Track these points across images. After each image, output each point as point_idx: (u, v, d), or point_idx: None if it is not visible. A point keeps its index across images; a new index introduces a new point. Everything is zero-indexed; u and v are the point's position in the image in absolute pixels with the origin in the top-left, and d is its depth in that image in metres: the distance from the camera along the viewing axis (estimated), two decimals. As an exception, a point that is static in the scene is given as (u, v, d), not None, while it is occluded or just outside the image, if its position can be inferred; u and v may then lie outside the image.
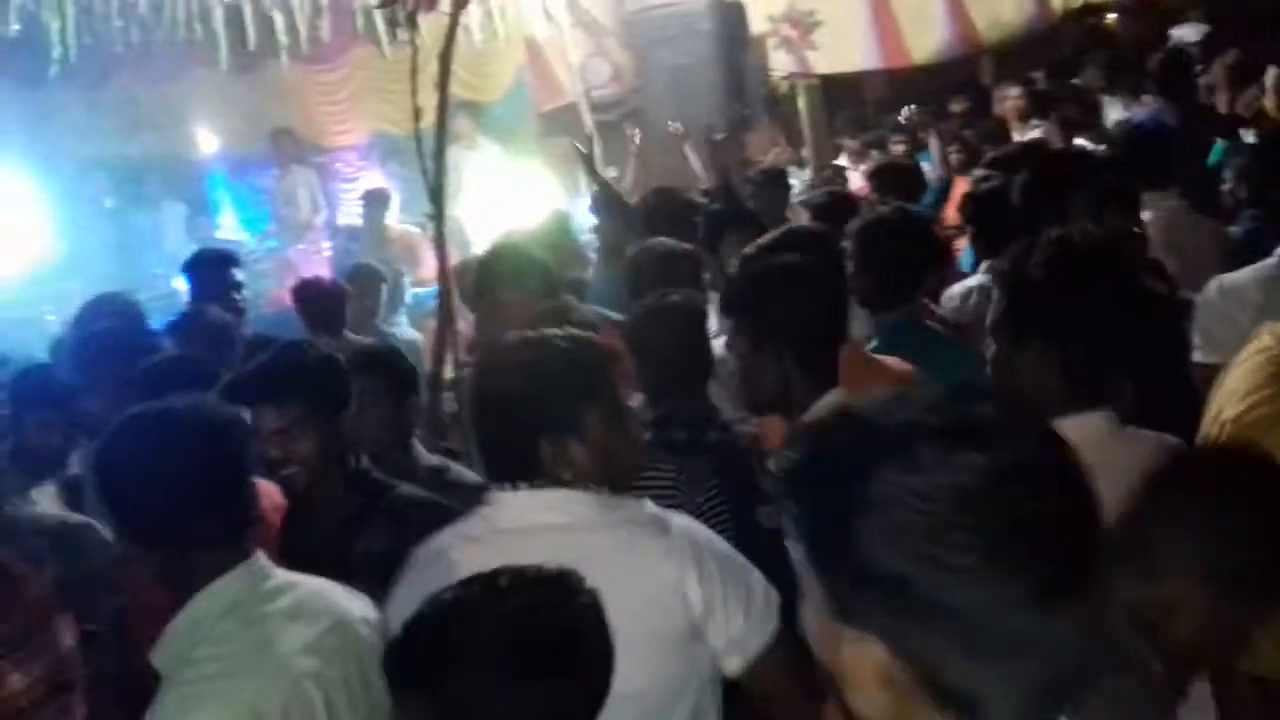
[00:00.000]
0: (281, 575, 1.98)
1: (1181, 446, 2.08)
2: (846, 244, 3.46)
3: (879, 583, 0.91)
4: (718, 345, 3.18)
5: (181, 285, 5.30)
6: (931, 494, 0.89)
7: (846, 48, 9.51)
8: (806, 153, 9.47)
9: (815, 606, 0.98)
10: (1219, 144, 5.80)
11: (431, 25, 5.35)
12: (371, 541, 2.48)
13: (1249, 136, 5.93)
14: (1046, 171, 3.86)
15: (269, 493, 2.76)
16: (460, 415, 4.14)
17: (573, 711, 1.47)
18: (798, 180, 7.98)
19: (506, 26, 9.29)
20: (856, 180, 7.79)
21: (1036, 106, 7.93)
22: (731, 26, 8.63)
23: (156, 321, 4.63)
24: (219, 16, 8.05)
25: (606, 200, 5.66)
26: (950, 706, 0.92)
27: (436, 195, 4.91)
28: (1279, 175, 3.77)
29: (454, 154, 6.77)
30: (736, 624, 1.93)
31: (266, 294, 7.94)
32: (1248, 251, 3.48)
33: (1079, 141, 6.86)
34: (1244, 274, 2.98)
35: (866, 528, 0.91)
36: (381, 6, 5.59)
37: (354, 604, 2.05)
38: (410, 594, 1.96)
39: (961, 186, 6.04)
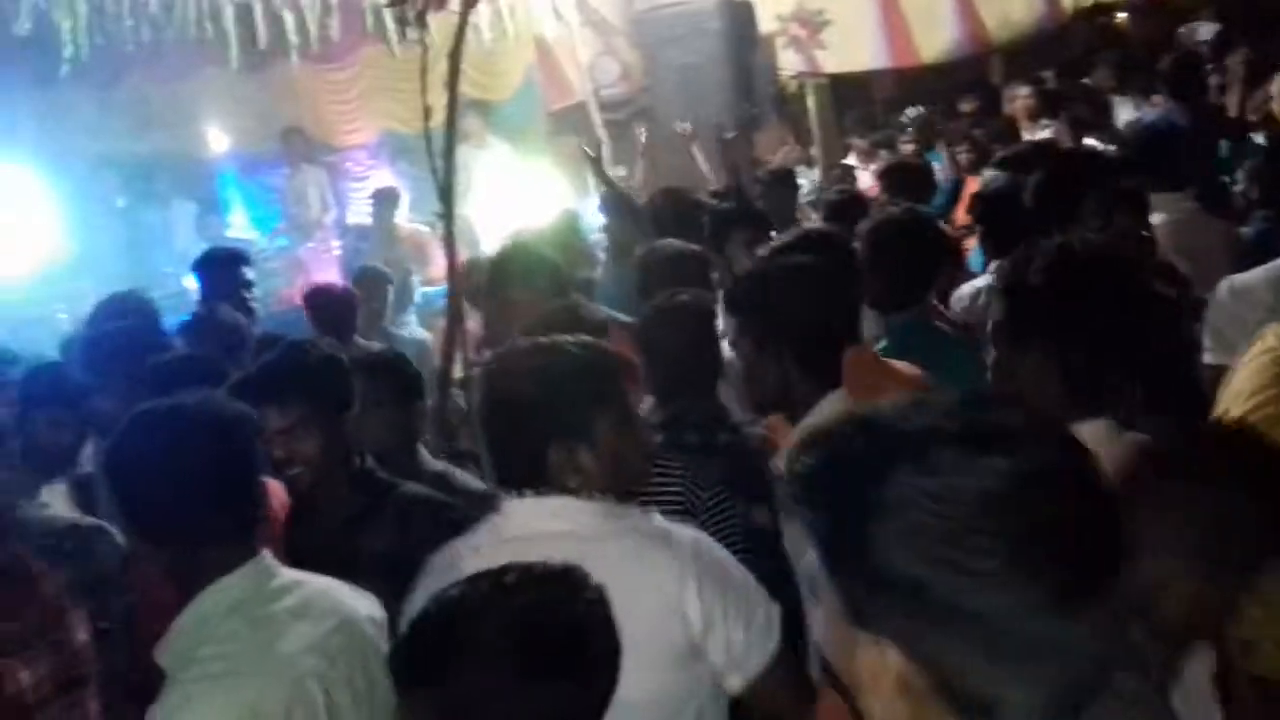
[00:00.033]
0: (288, 574, 1.98)
1: None
2: (857, 245, 3.47)
3: (896, 587, 0.90)
4: (726, 345, 3.18)
5: (192, 284, 5.32)
6: (951, 497, 0.89)
7: (855, 47, 9.50)
8: (815, 152, 9.46)
9: (830, 611, 0.98)
10: (1223, 146, 5.79)
11: (441, 24, 5.36)
12: (375, 540, 2.49)
13: (1258, 139, 5.93)
14: (1059, 172, 3.85)
15: (275, 492, 2.76)
16: (470, 415, 4.15)
17: (579, 710, 1.46)
18: (806, 180, 7.99)
19: (516, 25, 9.30)
20: (866, 179, 7.78)
21: (1046, 106, 7.91)
22: (740, 25, 8.62)
23: (168, 320, 4.64)
24: (229, 15, 8.07)
25: (615, 200, 5.66)
26: (968, 711, 0.92)
27: (446, 194, 4.91)
28: (1291, 177, 3.76)
29: (463, 153, 6.78)
30: (736, 641, 1.92)
31: (276, 293, 7.95)
32: (1259, 252, 3.48)
33: (1089, 141, 6.84)
34: (1255, 274, 2.97)
35: (884, 531, 0.91)
36: (391, 5, 5.60)
37: (360, 603, 2.05)
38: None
39: (972, 186, 6.03)
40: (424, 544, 2.16)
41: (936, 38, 9.48)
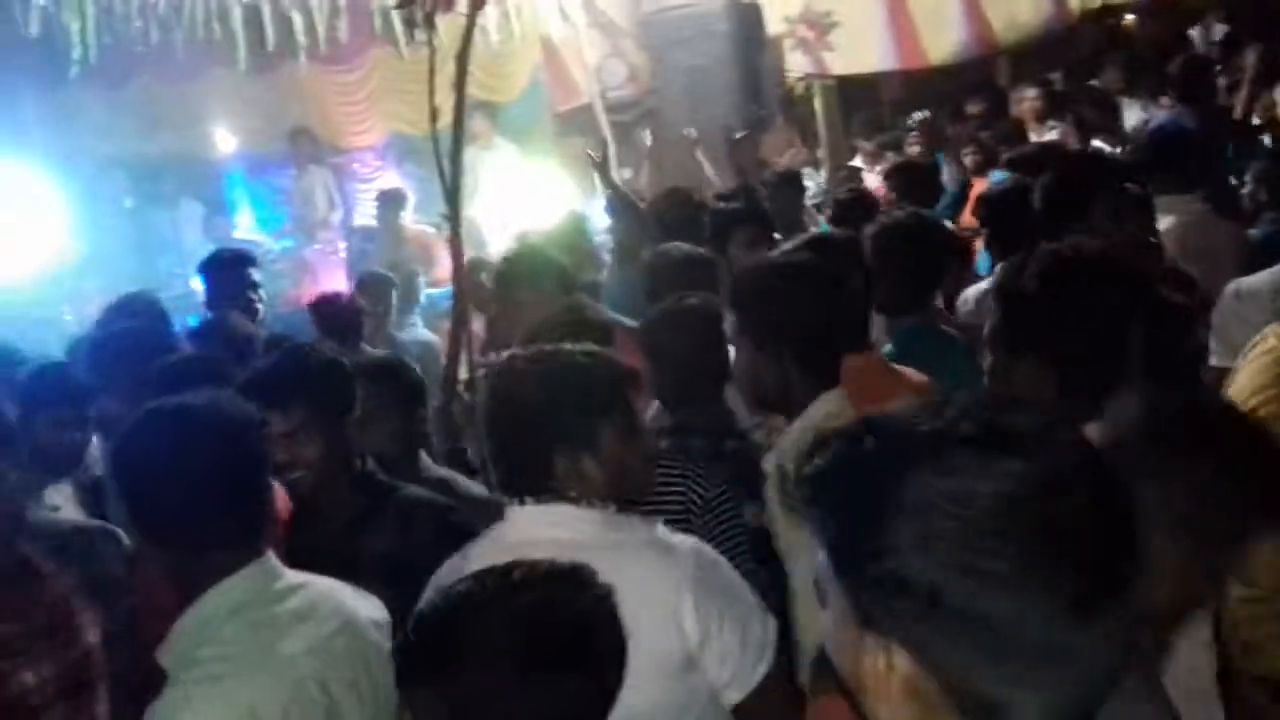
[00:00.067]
0: (291, 576, 1.98)
1: None
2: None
3: (906, 589, 0.89)
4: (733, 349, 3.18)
5: (199, 285, 5.33)
6: (967, 500, 0.88)
7: (863, 49, 9.47)
8: (821, 154, 9.45)
9: (836, 613, 0.97)
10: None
11: (449, 26, 5.36)
12: (377, 543, 2.49)
13: (1265, 140, 5.91)
14: (1068, 175, 3.84)
15: (277, 496, 2.76)
16: (475, 416, 4.15)
17: (585, 706, 1.46)
18: (812, 183, 7.98)
19: (523, 27, 9.31)
20: (872, 182, 7.77)
21: (1054, 107, 7.90)
22: (747, 27, 8.63)
23: (176, 321, 4.65)
24: (237, 17, 8.09)
25: (621, 203, 5.67)
26: (976, 716, 0.90)
27: (452, 195, 4.92)
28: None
29: (470, 154, 6.79)
30: (732, 655, 1.92)
31: (283, 294, 7.97)
32: (1267, 254, 3.47)
33: (1096, 143, 6.83)
34: (1261, 277, 2.97)
35: (896, 533, 0.89)
36: (399, 7, 5.61)
37: (363, 606, 2.05)
38: None
39: (978, 188, 6.02)
40: (425, 547, 2.17)
41: (944, 39, 9.46)
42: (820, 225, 5.51)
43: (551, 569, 1.51)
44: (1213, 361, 2.94)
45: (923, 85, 10.33)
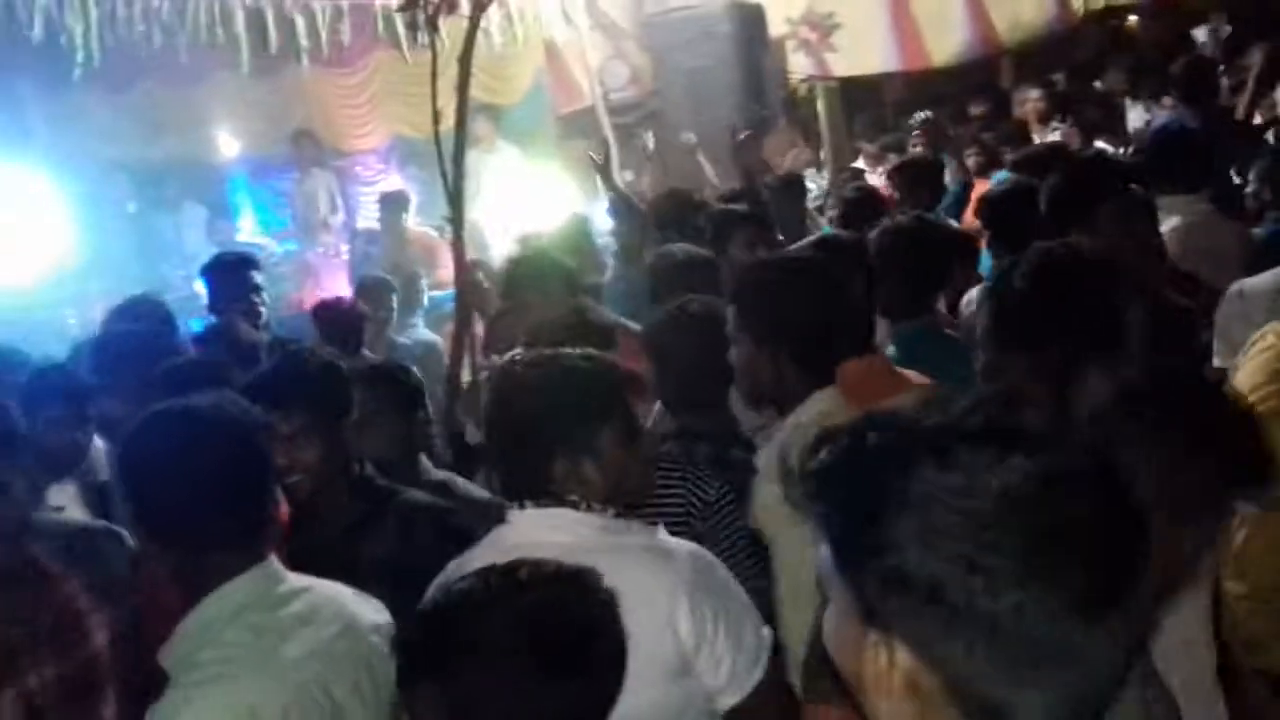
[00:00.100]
0: (294, 579, 1.98)
1: None
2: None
3: (910, 584, 0.88)
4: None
5: (202, 289, 5.33)
6: (971, 494, 0.87)
7: (865, 50, 9.48)
8: (824, 155, 9.45)
9: (838, 609, 0.96)
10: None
11: (451, 28, 5.37)
12: (377, 547, 2.49)
13: (1269, 138, 5.91)
14: (1075, 177, 3.84)
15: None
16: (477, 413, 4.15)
17: (584, 710, 1.46)
18: (814, 185, 7.98)
19: (525, 29, 9.31)
20: (875, 183, 7.76)
21: (1057, 108, 7.89)
22: (750, 29, 8.62)
23: (180, 324, 4.64)
24: (240, 20, 8.09)
25: (623, 204, 5.67)
26: (977, 716, 0.89)
27: (455, 198, 4.92)
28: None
29: (473, 157, 6.79)
30: (726, 660, 1.93)
31: (286, 297, 7.97)
32: (1271, 254, 3.46)
33: (1099, 144, 6.83)
34: (1264, 278, 2.97)
35: (901, 527, 0.89)
36: (402, 10, 5.61)
37: (366, 609, 2.05)
38: None
39: (980, 189, 6.02)
40: (425, 551, 2.17)
41: (947, 40, 9.46)
42: (822, 229, 5.50)
43: (557, 570, 1.51)
44: (1216, 362, 2.94)
45: (925, 86, 10.33)
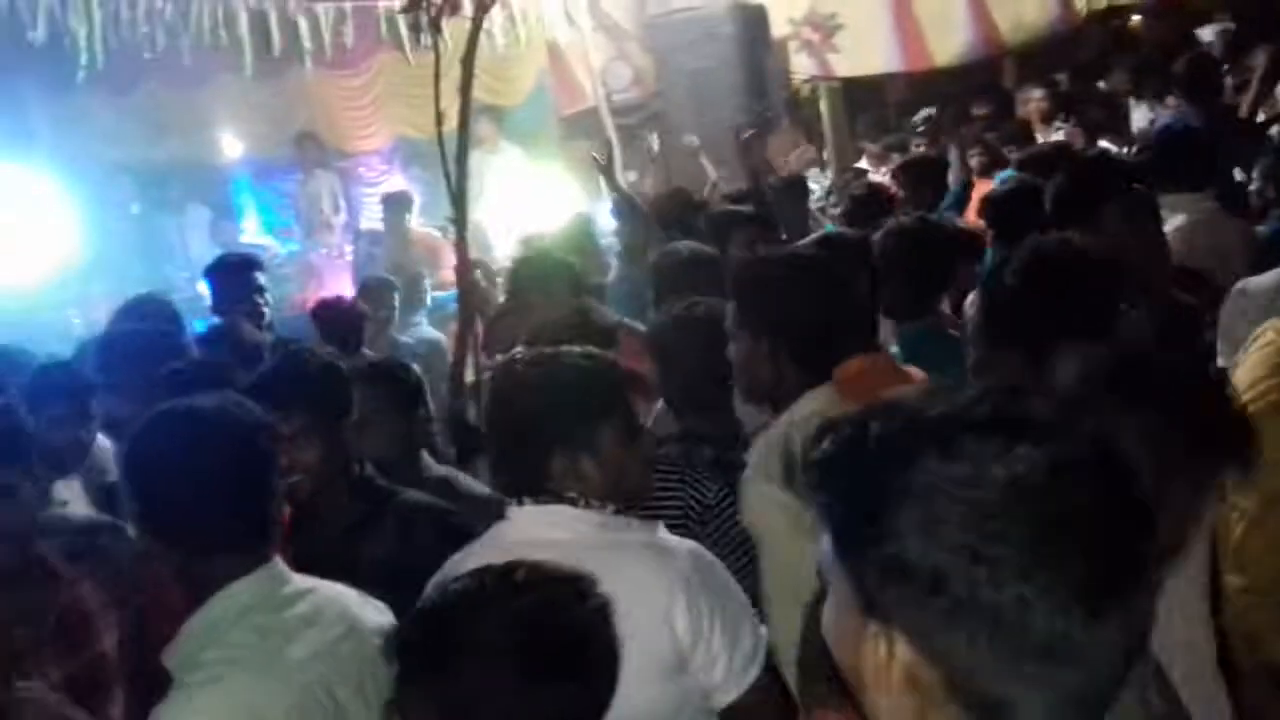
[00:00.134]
0: (299, 581, 1.97)
1: None
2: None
3: (912, 575, 0.87)
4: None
5: (205, 290, 5.34)
6: (975, 484, 0.86)
7: (868, 50, 9.48)
8: (827, 156, 9.45)
9: (838, 601, 0.95)
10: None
11: (454, 30, 5.38)
12: (376, 548, 2.49)
13: (1273, 133, 5.91)
14: (1081, 175, 3.84)
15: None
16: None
17: (578, 713, 1.45)
18: (817, 185, 7.98)
19: (528, 30, 9.32)
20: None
21: (1060, 108, 7.89)
22: (752, 30, 8.62)
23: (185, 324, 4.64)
24: (244, 22, 8.11)
25: (626, 205, 5.68)
26: (977, 710, 0.88)
27: (458, 199, 4.93)
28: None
29: (475, 158, 6.80)
30: (721, 659, 1.94)
31: (289, 298, 7.97)
32: (1275, 252, 3.46)
33: (1103, 144, 6.82)
34: (1266, 277, 2.96)
35: (903, 517, 0.87)
36: (405, 11, 5.62)
37: (369, 611, 2.05)
38: None
39: (981, 189, 6.02)
40: (425, 552, 2.18)
41: (950, 41, 9.46)
42: (826, 229, 5.51)
43: (552, 573, 1.51)
44: (1220, 362, 2.93)
45: (928, 87, 10.33)
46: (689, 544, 2.06)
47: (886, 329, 3.40)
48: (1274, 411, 2.12)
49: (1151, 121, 7.28)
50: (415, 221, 8.52)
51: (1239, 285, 2.99)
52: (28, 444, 2.55)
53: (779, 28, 9.18)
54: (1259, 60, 6.86)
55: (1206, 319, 3.13)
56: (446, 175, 4.93)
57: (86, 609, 2.46)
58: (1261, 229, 4.25)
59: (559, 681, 1.43)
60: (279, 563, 1.96)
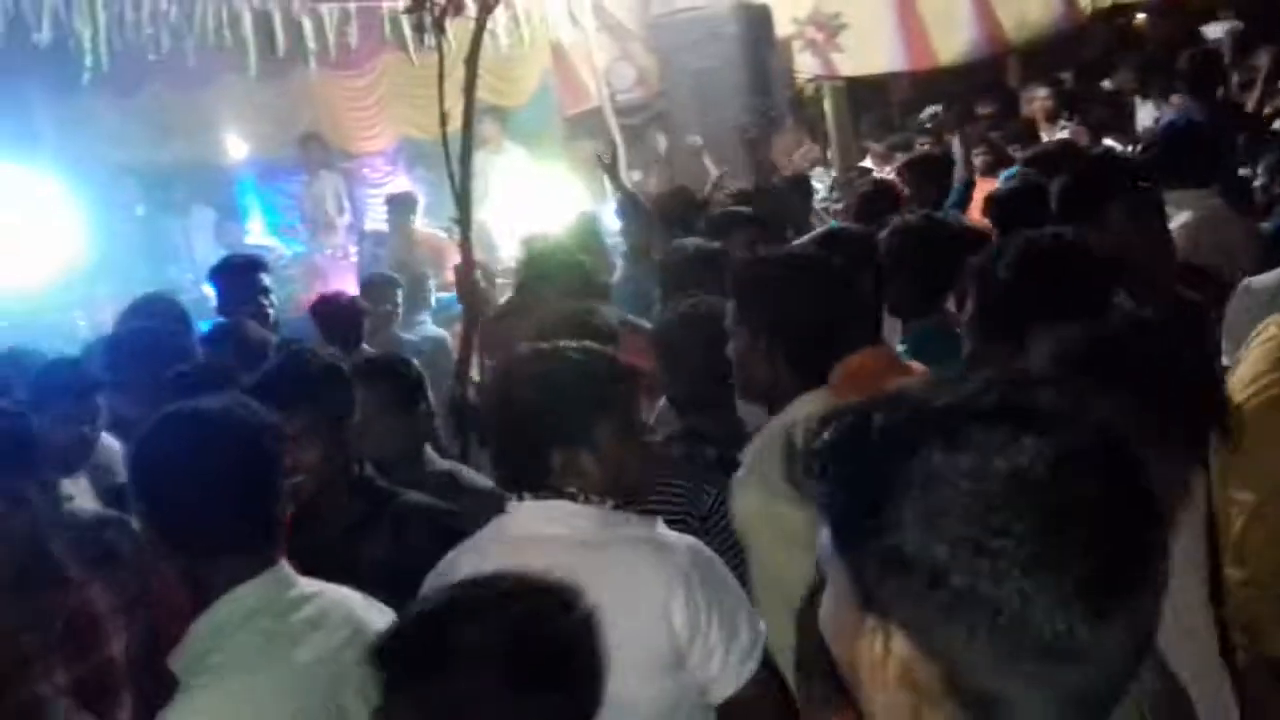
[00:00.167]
0: (305, 584, 1.97)
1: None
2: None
3: (911, 567, 0.84)
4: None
5: (210, 291, 5.34)
6: (979, 475, 0.83)
7: (872, 50, 9.48)
8: (831, 155, 9.44)
9: (836, 594, 0.92)
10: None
11: (458, 30, 5.38)
12: (375, 549, 2.49)
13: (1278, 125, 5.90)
14: (1086, 173, 3.83)
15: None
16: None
17: None
18: (821, 185, 7.97)
19: (532, 31, 9.32)
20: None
21: (1065, 107, 7.87)
22: (756, 30, 8.62)
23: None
24: (248, 23, 8.12)
25: (631, 203, 5.68)
26: (975, 710, 0.85)
27: (462, 199, 4.93)
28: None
29: (480, 158, 6.80)
30: (718, 653, 1.94)
31: (294, 299, 7.98)
32: (1278, 248, 3.46)
33: (1107, 142, 6.81)
34: (1271, 275, 2.96)
35: (904, 507, 0.85)
36: (409, 12, 5.62)
37: (374, 616, 2.04)
38: None
39: (984, 187, 6.02)
40: (422, 552, 2.18)
41: (954, 40, 9.46)
42: (830, 225, 5.50)
43: (540, 584, 1.51)
44: (1225, 361, 2.92)
45: (932, 86, 10.32)
46: (688, 539, 2.07)
47: (892, 326, 3.40)
48: (1275, 406, 2.12)
49: (1156, 120, 7.27)
50: (420, 222, 8.53)
51: (1243, 283, 2.99)
52: (37, 450, 2.56)
53: (783, 27, 9.18)
54: (1262, 60, 6.86)
55: (1213, 315, 3.12)
56: (450, 176, 4.92)
57: (95, 612, 2.47)
58: (1266, 225, 4.24)
59: (544, 691, 1.43)
60: (285, 565, 1.96)
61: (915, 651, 0.86)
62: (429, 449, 3.20)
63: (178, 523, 1.91)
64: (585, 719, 1.47)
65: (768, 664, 2.00)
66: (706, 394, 2.95)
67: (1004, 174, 5.98)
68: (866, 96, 10.33)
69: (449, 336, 5.94)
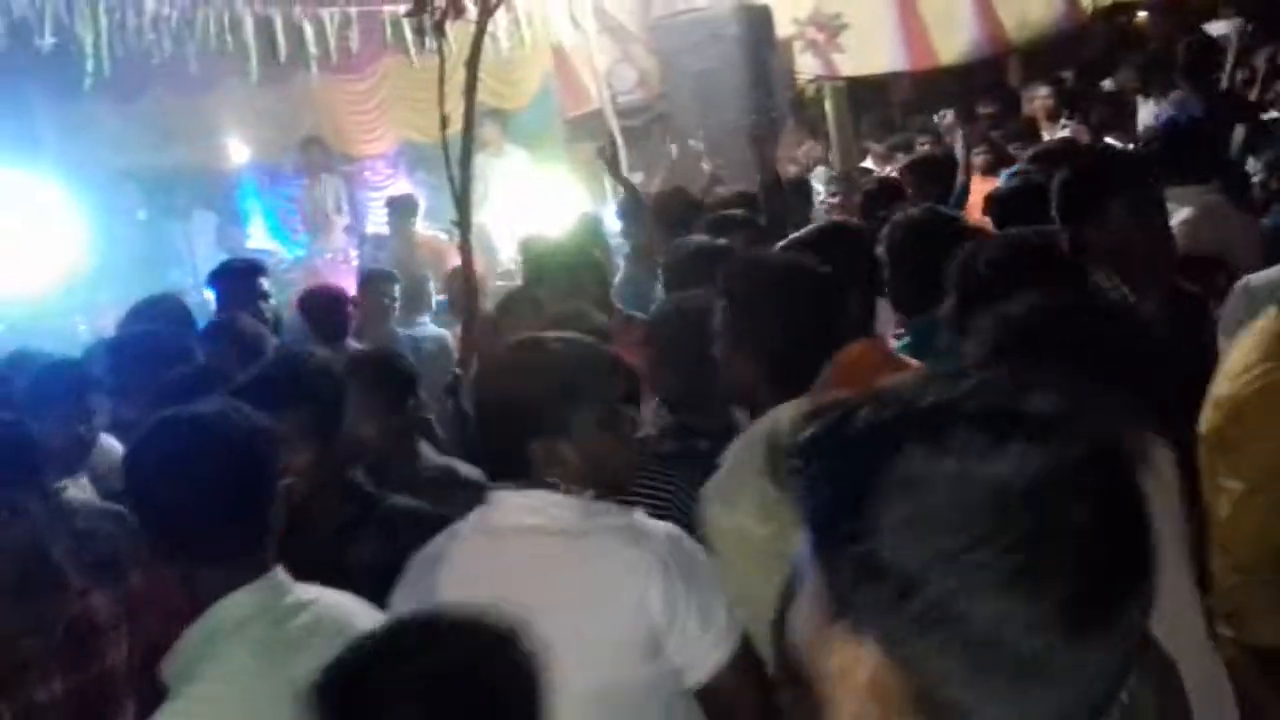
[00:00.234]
0: (300, 591, 1.95)
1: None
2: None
3: (885, 575, 0.80)
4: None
5: (211, 296, 5.33)
6: (962, 482, 0.79)
7: (873, 50, 9.47)
8: (832, 156, 9.44)
9: (809, 598, 0.89)
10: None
11: (459, 33, 5.39)
12: (363, 552, 2.48)
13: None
14: (1086, 170, 3.83)
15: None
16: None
17: None
18: (821, 186, 7.97)
19: (533, 33, 9.33)
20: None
21: (1066, 106, 7.87)
22: (757, 31, 8.60)
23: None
24: (249, 28, 8.14)
25: (634, 200, 5.68)
26: None
27: (462, 202, 4.93)
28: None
29: (480, 161, 6.80)
30: (694, 639, 1.94)
31: (295, 302, 7.97)
32: (1278, 244, 3.45)
33: (1108, 141, 6.81)
34: (1268, 273, 2.95)
35: (883, 510, 0.81)
36: (410, 15, 5.63)
37: (370, 623, 2.03)
38: (404, 597, 2.05)
39: (982, 187, 6.02)
40: (410, 556, 2.18)
41: (955, 39, 9.45)
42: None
43: (477, 623, 1.50)
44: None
45: (933, 86, 10.32)
46: (667, 526, 2.06)
47: (892, 316, 3.40)
48: (1262, 395, 2.12)
49: (1156, 116, 7.26)
50: (420, 225, 8.53)
51: (1241, 282, 2.98)
52: (37, 455, 2.56)
53: (783, 28, 9.17)
54: (1260, 61, 6.86)
55: (1213, 306, 3.11)
56: (451, 179, 4.93)
57: (96, 620, 2.46)
58: (1265, 222, 4.23)
59: None
60: (279, 572, 1.94)
61: (885, 663, 0.82)
62: (425, 445, 3.19)
63: (171, 528, 1.91)
64: None
65: (749, 651, 1.99)
66: (699, 388, 2.95)
67: (1005, 173, 5.98)
68: (867, 97, 10.32)
69: (450, 336, 5.94)
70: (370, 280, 5.94)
